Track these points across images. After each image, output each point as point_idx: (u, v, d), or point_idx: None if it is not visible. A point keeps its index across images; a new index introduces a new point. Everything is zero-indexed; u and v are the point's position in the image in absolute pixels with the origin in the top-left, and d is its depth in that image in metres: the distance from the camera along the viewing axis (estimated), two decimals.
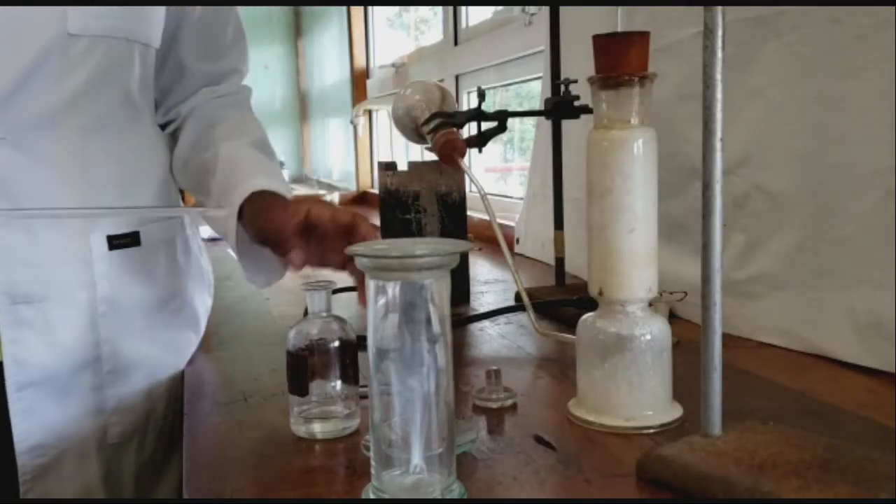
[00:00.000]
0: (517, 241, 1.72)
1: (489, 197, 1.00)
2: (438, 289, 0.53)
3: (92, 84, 0.83)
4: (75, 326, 0.85)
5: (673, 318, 1.04)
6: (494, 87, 2.30)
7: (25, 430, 0.83)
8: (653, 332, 0.69)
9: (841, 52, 0.85)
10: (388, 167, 1.18)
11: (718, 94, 0.58)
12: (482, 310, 1.15)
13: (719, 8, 0.57)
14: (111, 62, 0.85)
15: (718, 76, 0.57)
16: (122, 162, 0.90)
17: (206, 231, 1.09)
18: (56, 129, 0.82)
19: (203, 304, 1.03)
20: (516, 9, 1.97)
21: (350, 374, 0.70)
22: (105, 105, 0.87)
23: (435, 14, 3.05)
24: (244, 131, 0.99)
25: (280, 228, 0.79)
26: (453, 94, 1.65)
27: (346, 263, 0.80)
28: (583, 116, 1.09)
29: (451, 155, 1.04)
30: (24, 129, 0.80)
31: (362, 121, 3.34)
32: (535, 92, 2.12)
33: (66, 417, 0.86)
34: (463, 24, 2.52)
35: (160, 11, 0.91)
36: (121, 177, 0.89)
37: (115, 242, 0.88)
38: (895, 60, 0.79)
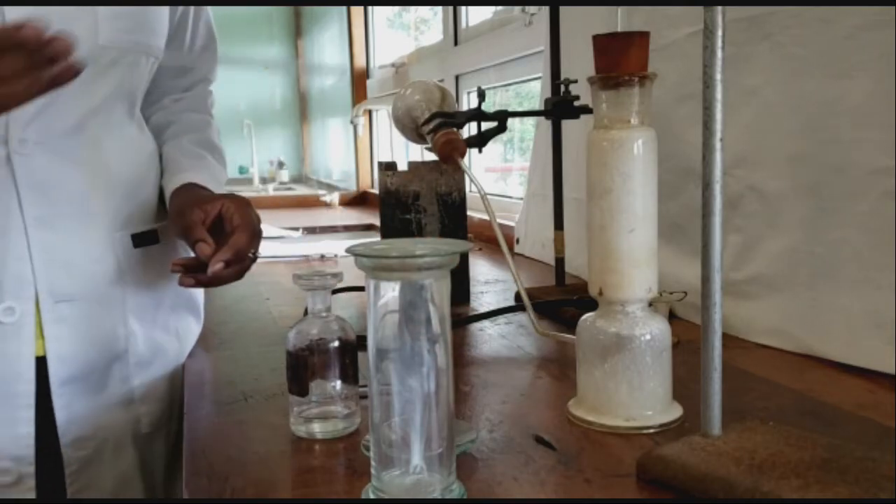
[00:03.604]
0: (517, 241, 1.72)
1: (489, 197, 1.00)
2: (438, 289, 0.53)
3: (115, 92, 0.89)
4: (107, 322, 0.90)
5: (673, 318, 1.04)
6: (494, 87, 2.30)
7: (66, 424, 0.87)
8: (653, 332, 0.69)
9: (831, 52, 0.85)
10: (388, 167, 1.18)
11: (718, 95, 0.58)
12: (482, 310, 1.15)
13: (719, 8, 0.57)
14: (130, 73, 0.91)
15: (718, 76, 0.57)
16: (135, 163, 0.95)
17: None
18: (83, 134, 0.87)
19: (200, 291, 1.07)
20: (516, 9, 1.97)
21: (350, 374, 0.70)
22: (121, 111, 0.93)
23: (435, 14, 3.04)
24: (189, 129, 1.04)
25: (190, 225, 0.83)
26: (453, 94, 1.65)
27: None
28: (583, 116, 1.10)
29: (451, 155, 1.04)
30: (58, 134, 0.85)
31: (362, 121, 3.34)
32: (535, 92, 2.12)
33: (101, 410, 0.90)
34: (463, 24, 2.52)
35: (165, 24, 0.95)
36: (134, 177, 0.95)
37: (138, 240, 0.93)
38: (888, 60, 0.79)
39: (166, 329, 0.97)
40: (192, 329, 1.02)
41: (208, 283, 0.83)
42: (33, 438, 0.84)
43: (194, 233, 0.82)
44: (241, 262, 0.84)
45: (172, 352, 0.97)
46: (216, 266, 0.80)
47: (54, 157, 0.85)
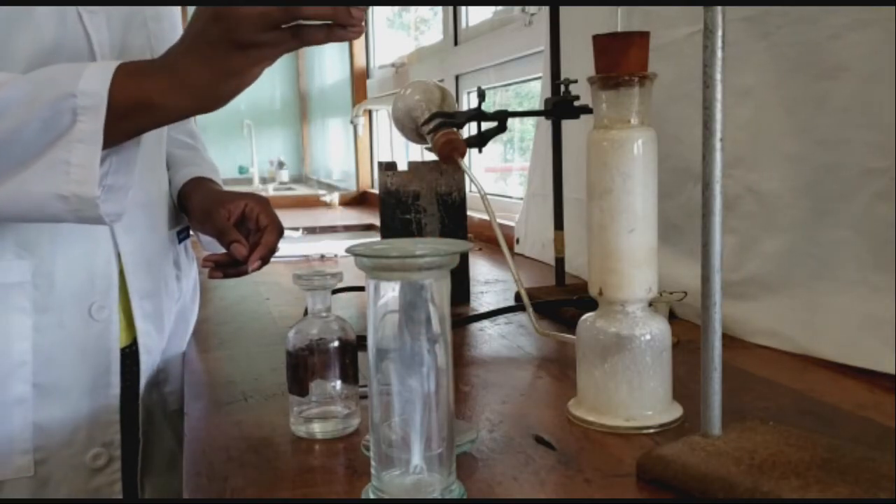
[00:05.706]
0: (517, 241, 1.72)
1: (489, 197, 1.00)
2: (438, 289, 0.53)
3: None
4: (172, 314, 0.98)
5: (673, 318, 1.04)
6: (494, 87, 2.30)
7: (145, 408, 0.93)
8: (653, 332, 0.69)
9: (817, 52, 0.85)
10: (388, 167, 1.18)
11: (718, 94, 0.58)
12: (482, 310, 1.15)
13: (719, 8, 0.57)
14: None
15: (718, 76, 0.57)
16: (164, 164, 1.02)
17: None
18: (147, 143, 0.92)
19: None
20: (516, 9, 1.97)
21: (350, 374, 0.70)
22: None
23: (435, 14, 3.04)
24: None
25: (223, 228, 0.92)
26: (453, 94, 1.65)
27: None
28: (583, 116, 1.10)
29: (451, 155, 1.04)
30: None
31: (362, 121, 3.34)
32: (535, 92, 2.12)
33: (150, 388, 0.95)
34: (463, 24, 2.52)
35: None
36: (167, 177, 1.02)
37: (182, 236, 1.03)
38: (873, 60, 0.78)
39: (186, 316, 1.05)
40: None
41: (234, 275, 0.91)
42: (119, 426, 0.88)
43: (229, 235, 0.91)
44: (270, 258, 0.94)
45: (187, 338, 1.05)
46: (255, 265, 0.90)
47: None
